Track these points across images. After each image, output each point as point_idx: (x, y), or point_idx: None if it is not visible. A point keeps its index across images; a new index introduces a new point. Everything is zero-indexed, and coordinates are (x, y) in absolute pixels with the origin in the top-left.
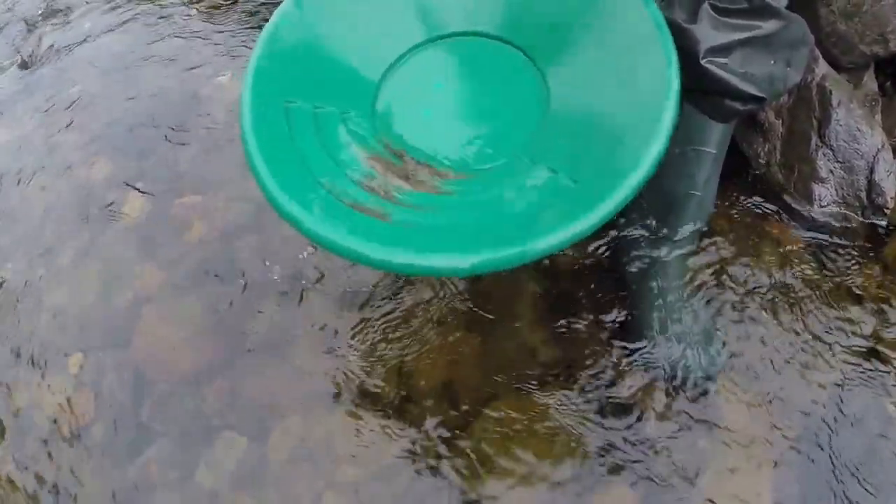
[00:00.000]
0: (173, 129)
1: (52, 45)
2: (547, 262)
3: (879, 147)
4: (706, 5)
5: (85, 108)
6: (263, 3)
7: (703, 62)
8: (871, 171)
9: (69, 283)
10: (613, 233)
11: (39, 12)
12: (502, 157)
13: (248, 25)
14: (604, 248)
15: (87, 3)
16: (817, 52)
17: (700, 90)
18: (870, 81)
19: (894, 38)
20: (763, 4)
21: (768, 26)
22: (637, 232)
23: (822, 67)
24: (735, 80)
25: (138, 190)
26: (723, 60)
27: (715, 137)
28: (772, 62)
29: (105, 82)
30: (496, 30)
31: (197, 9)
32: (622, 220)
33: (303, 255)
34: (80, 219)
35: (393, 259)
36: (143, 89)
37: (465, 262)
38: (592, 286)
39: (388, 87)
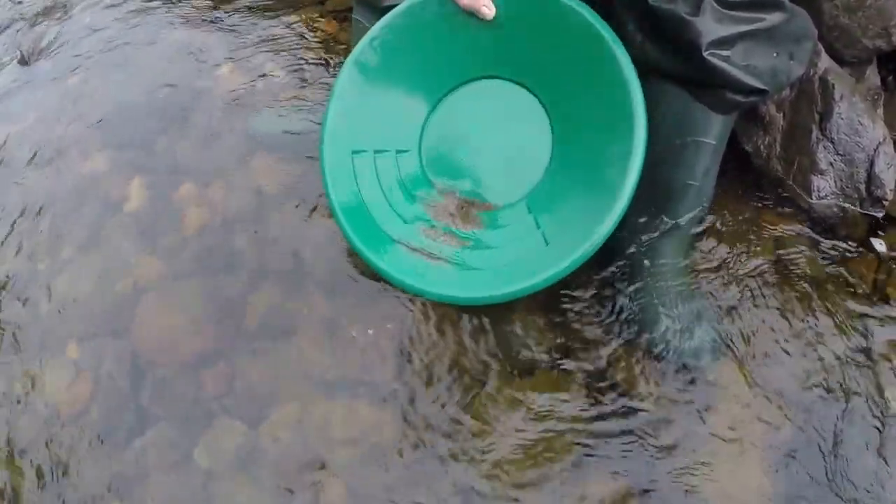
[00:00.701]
0: (173, 120)
1: (52, 41)
2: None
3: (881, 140)
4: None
5: (84, 99)
6: None
7: (705, 54)
8: (872, 163)
9: (70, 272)
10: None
11: (40, 7)
12: (519, 199)
13: (249, 18)
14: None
15: None
16: (820, 45)
17: (701, 82)
18: (872, 75)
19: None
20: None
21: (772, 19)
22: (636, 220)
23: (825, 61)
24: (737, 73)
25: (138, 180)
26: (725, 53)
27: (715, 129)
28: (774, 55)
29: (104, 74)
30: (512, 74)
31: (198, 3)
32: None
33: (300, 247)
34: (80, 209)
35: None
36: (143, 83)
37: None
38: (591, 273)
39: (431, 130)
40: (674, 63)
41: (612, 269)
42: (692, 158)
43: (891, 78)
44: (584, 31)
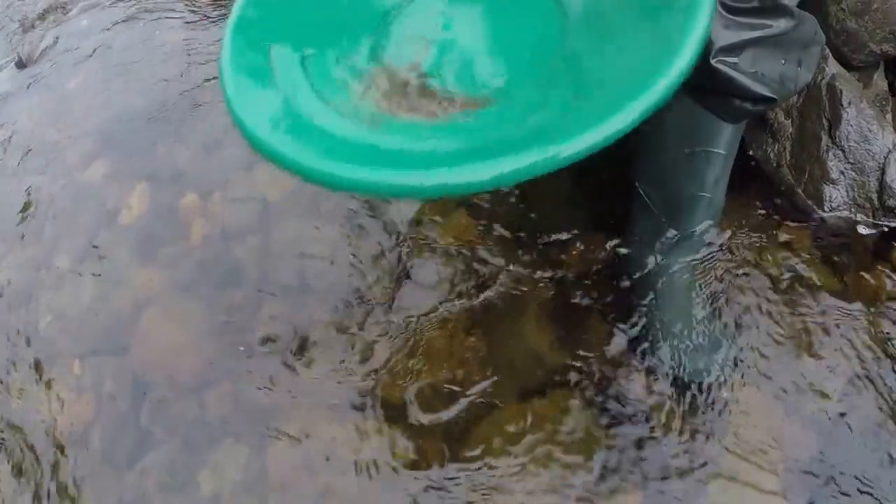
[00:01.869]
0: (173, 127)
1: (50, 44)
2: (552, 270)
3: (891, 148)
4: (717, 4)
5: (83, 105)
6: None
7: (712, 62)
8: (883, 172)
9: (69, 284)
10: (616, 242)
11: (37, 10)
12: (515, 83)
13: None
14: (611, 250)
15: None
16: (827, 50)
17: (709, 90)
18: (880, 80)
19: None
20: (774, 3)
21: (780, 25)
22: (646, 233)
23: (832, 66)
24: (745, 81)
25: (137, 189)
26: (733, 60)
27: (725, 138)
28: (783, 62)
29: (103, 79)
30: None
31: (198, 5)
32: (630, 223)
33: (305, 259)
34: (79, 218)
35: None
36: (142, 87)
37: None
38: (599, 291)
39: (393, 24)
40: None
41: (622, 283)
42: (702, 169)
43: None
44: None
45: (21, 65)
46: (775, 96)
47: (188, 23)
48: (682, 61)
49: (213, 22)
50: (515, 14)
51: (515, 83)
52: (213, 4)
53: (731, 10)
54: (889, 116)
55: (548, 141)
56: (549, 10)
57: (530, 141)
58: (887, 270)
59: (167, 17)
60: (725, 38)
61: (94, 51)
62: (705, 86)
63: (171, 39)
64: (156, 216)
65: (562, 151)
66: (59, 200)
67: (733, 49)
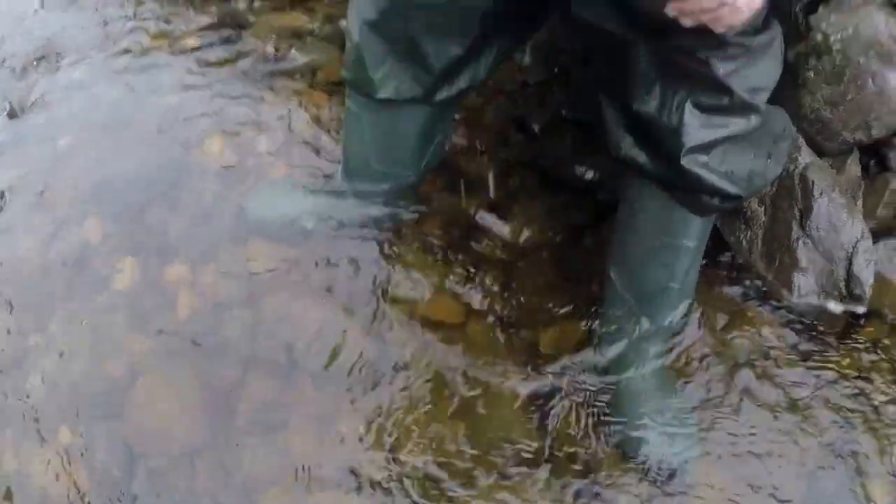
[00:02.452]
0: (163, 194)
1: (41, 94)
2: (529, 356)
3: (859, 237)
4: (688, 105)
5: (75, 163)
6: (265, 65)
7: (683, 160)
8: (850, 262)
9: (61, 348)
10: (591, 327)
11: (29, 57)
12: None
13: (238, 85)
14: (586, 335)
15: (76, 52)
16: (801, 140)
17: (680, 186)
18: (853, 166)
19: (877, 125)
20: (743, 102)
21: (749, 123)
22: (619, 320)
23: (806, 156)
24: (714, 179)
25: (130, 257)
26: (703, 158)
27: (695, 231)
28: (752, 156)
29: (95, 137)
30: None
31: (191, 64)
32: (604, 310)
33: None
34: (71, 282)
35: None
36: (134, 148)
37: None
38: (574, 374)
39: None
40: (655, 166)
41: (596, 370)
42: (672, 261)
43: (872, 162)
44: None
45: (13, 114)
46: (742, 194)
47: (179, 84)
48: None
49: (202, 86)
50: None
51: None
52: (209, 65)
53: (703, 109)
54: (860, 203)
55: None
56: None
57: None
58: (854, 352)
59: (157, 76)
60: (697, 137)
61: (86, 106)
62: (676, 182)
63: (161, 101)
64: (146, 285)
65: None
66: (52, 261)
67: (704, 147)
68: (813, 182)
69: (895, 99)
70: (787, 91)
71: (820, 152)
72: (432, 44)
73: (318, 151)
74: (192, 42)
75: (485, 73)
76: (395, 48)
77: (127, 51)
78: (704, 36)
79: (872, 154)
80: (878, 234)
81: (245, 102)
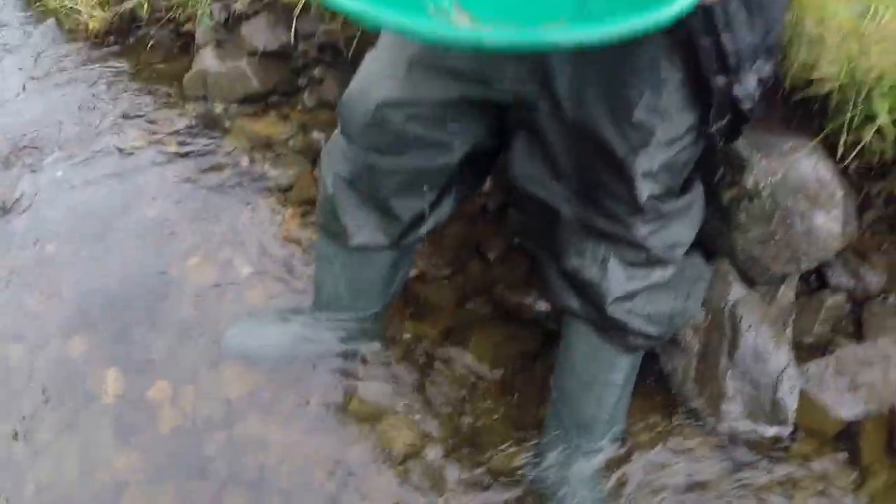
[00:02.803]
0: (146, 311)
1: (25, 193)
2: (480, 474)
3: (785, 366)
4: (612, 261)
5: (61, 273)
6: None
7: (608, 308)
8: (776, 390)
9: (48, 460)
10: (533, 450)
11: (13, 147)
12: None
13: (216, 199)
14: (530, 457)
15: (59, 147)
16: (731, 275)
17: (608, 328)
18: (787, 291)
19: (806, 260)
20: (660, 259)
21: (667, 273)
22: (558, 442)
23: (736, 292)
24: (638, 323)
25: (113, 372)
26: (628, 305)
27: (624, 366)
28: (673, 298)
29: (79, 247)
30: None
31: (171, 171)
32: (545, 432)
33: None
34: (58, 394)
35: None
36: (117, 261)
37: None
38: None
39: None
40: (585, 311)
41: (537, 491)
42: (604, 393)
43: (813, 277)
44: None
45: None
46: (664, 334)
47: (159, 194)
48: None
49: (181, 199)
50: None
51: None
52: (193, 175)
53: (625, 264)
54: (789, 330)
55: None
56: None
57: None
58: (783, 470)
59: (138, 183)
60: (621, 288)
61: (71, 211)
62: (605, 325)
63: (143, 213)
64: (130, 401)
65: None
66: (38, 373)
67: (628, 296)
68: (741, 317)
69: (822, 237)
70: (723, 232)
71: (752, 283)
72: (400, 202)
73: (291, 271)
74: (172, 146)
75: (449, 214)
76: (366, 203)
77: (108, 151)
78: (624, 202)
79: (813, 269)
80: (813, 350)
81: (222, 218)
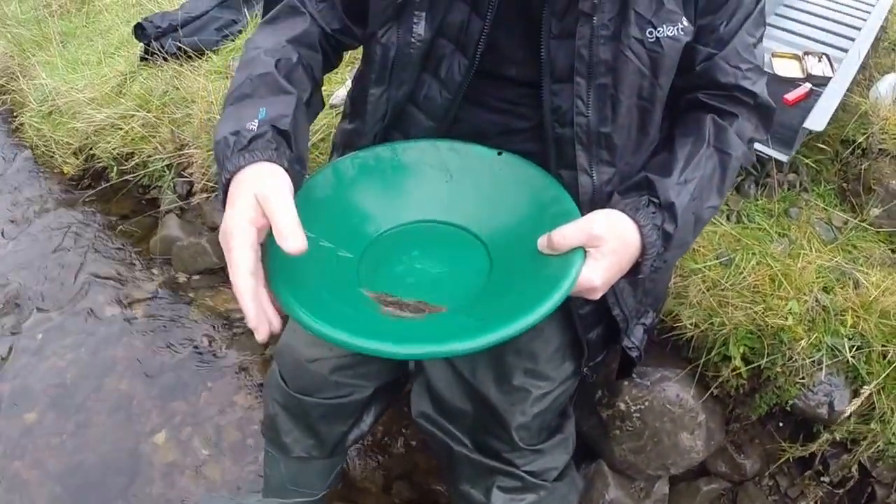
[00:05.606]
0: (122, 487)
1: (4, 355)
2: None
3: None
4: (495, 489)
5: (42, 444)
6: (202, 356)
7: None
8: None
9: None
10: None
11: None
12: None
13: (182, 377)
14: None
15: (37, 308)
16: (610, 478)
17: None
18: (661, 486)
19: (675, 466)
20: (535, 483)
21: (540, 495)
22: None
23: (612, 492)
24: None
25: None
26: None
27: None
28: None
29: (59, 417)
30: (463, 222)
31: (140, 341)
32: None
33: None
34: None
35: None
36: (95, 437)
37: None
38: None
39: (377, 247)
40: None
41: None
42: None
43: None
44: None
45: None
46: None
47: (130, 366)
48: (553, 300)
49: (152, 373)
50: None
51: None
52: (147, 352)
53: (505, 490)
54: None
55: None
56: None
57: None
58: None
59: (109, 353)
60: None
61: (49, 380)
62: None
63: (115, 385)
64: None
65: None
66: None
67: None
68: None
69: (687, 451)
70: (602, 440)
71: (632, 478)
72: (325, 427)
73: (245, 451)
74: (139, 313)
75: (371, 425)
76: (299, 425)
77: (82, 314)
78: (506, 443)
79: None
80: None
81: (186, 396)
